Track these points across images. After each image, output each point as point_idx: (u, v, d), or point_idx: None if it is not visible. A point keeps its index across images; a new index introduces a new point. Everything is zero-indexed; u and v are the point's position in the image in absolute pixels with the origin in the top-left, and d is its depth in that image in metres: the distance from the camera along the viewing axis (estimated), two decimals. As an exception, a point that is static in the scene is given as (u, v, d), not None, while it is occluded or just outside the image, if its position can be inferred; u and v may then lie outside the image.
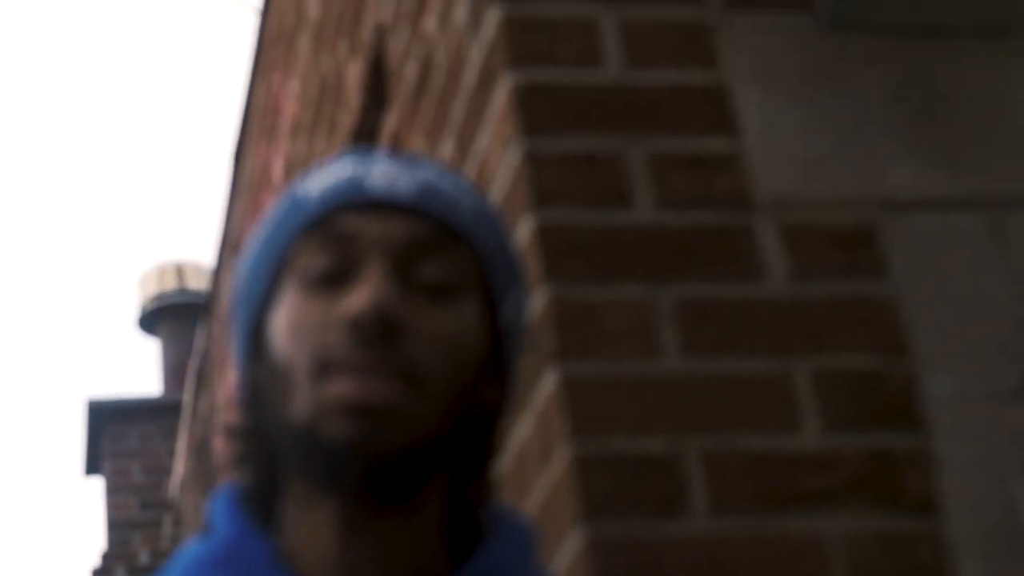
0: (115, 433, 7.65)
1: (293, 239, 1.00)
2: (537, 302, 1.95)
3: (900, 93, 2.16)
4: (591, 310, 1.93)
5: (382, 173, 1.00)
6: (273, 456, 0.99)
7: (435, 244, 0.98)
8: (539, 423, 1.94)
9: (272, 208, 1.04)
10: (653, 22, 2.13)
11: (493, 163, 2.12)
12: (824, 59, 2.16)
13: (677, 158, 2.05)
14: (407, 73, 2.62)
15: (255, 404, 0.99)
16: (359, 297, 0.95)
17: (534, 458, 1.96)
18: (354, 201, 0.99)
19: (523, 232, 2.00)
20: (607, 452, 1.85)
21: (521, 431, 2.02)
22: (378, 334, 0.94)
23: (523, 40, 2.07)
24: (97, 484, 14.45)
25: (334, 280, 0.97)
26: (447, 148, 2.37)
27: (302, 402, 0.95)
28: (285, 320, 0.97)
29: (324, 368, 0.94)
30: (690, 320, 1.96)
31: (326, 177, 1.01)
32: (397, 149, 2.78)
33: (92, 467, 8.02)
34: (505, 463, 2.09)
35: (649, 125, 2.06)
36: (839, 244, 2.05)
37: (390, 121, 2.80)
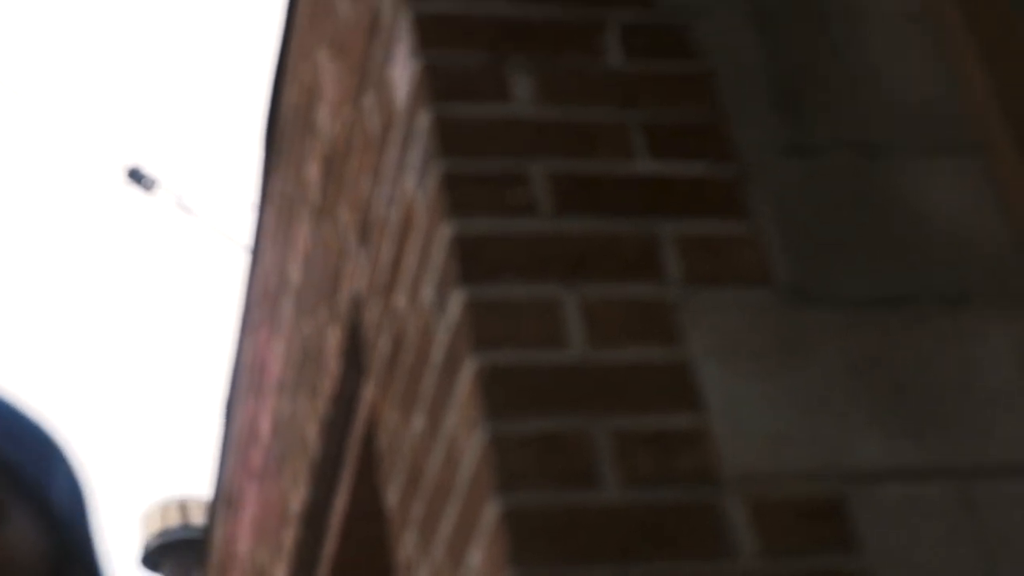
0: None
1: None
2: (504, 587, 1.94)
3: (863, 364, 2.18)
4: (559, 594, 1.92)
5: None
6: None
7: None
8: None
9: None
10: (614, 301, 2.16)
11: (461, 443, 2.13)
12: (785, 333, 2.18)
13: (641, 436, 2.05)
14: (381, 345, 2.65)
15: None
16: None
17: None
18: None
19: (489, 516, 1.99)
20: None
21: None
22: None
23: (486, 323, 2.10)
24: None
25: None
26: (419, 423, 2.38)
27: None
28: None
29: None
30: (660, 600, 1.95)
31: None
32: (376, 420, 2.79)
33: None
34: None
35: (613, 404, 2.07)
36: (808, 518, 2.04)
37: (368, 391, 2.82)
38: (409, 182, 2.42)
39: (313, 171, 3.35)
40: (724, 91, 2.45)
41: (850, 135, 2.43)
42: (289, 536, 3.72)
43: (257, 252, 4.31)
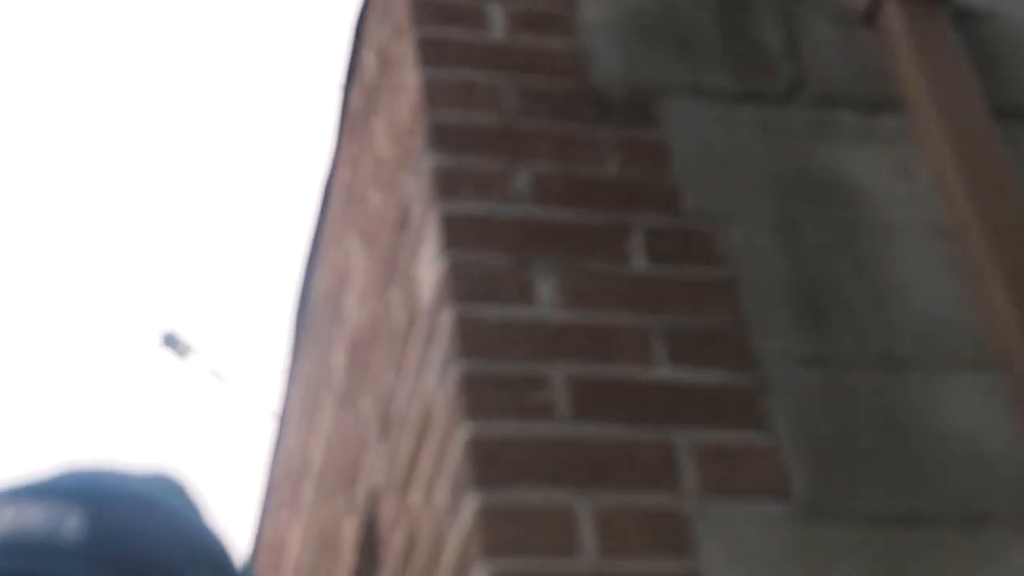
0: None
1: None
2: None
3: (878, 584, 2.15)
4: None
5: None
6: None
7: None
8: None
9: None
10: (629, 510, 2.14)
11: (469, 650, 2.11)
12: (801, 548, 2.16)
13: (652, 651, 2.03)
14: (395, 542, 2.63)
15: None
16: None
17: None
18: None
19: None
20: None
21: None
22: None
23: (499, 529, 2.09)
24: None
25: None
26: (429, 624, 2.35)
27: None
28: None
29: None
30: None
31: None
32: (386, 614, 2.77)
33: None
34: None
35: (624, 616, 2.05)
36: None
37: (380, 585, 2.79)
38: (430, 380, 2.43)
39: (339, 357, 3.37)
40: (746, 299, 2.46)
41: (871, 348, 2.43)
42: None
43: (282, 431, 4.31)
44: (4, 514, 0.94)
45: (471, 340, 2.30)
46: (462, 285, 2.36)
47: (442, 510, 2.29)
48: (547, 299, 2.37)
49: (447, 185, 2.50)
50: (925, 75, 2.75)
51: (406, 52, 2.78)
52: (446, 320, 2.35)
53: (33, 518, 0.94)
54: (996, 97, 2.84)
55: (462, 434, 2.20)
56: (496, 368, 2.27)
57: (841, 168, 2.69)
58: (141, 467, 1.01)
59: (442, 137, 2.57)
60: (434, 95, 2.63)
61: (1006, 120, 2.81)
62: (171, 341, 9.33)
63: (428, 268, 2.50)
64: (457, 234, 2.43)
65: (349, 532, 3.10)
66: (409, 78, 2.73)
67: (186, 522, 0.99)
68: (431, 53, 2.69)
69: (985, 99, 2.80)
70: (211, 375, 9.34)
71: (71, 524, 0.93)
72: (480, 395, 2.23)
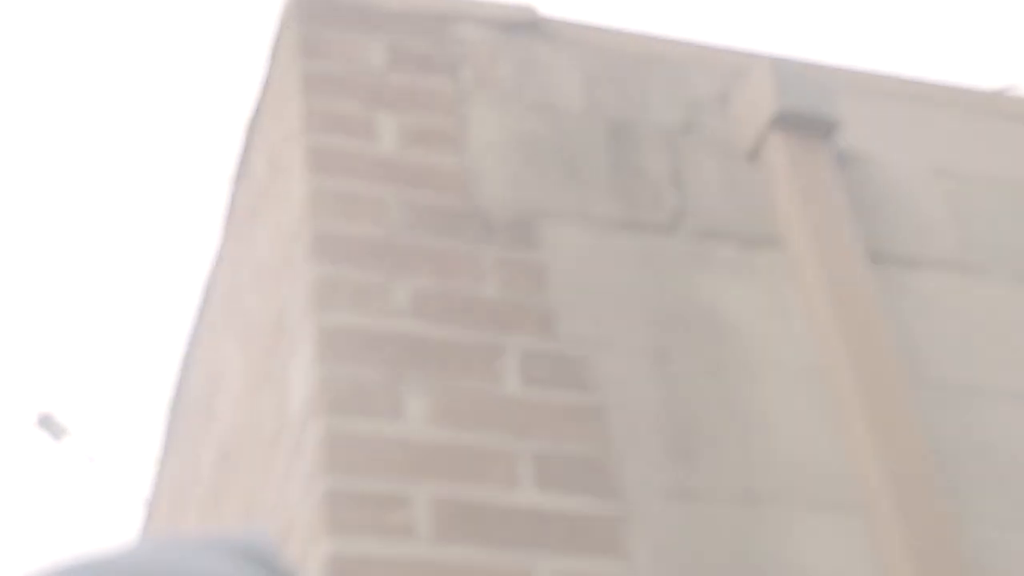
0: None
1: None
2: None
3: None
4: None
5: None
6: None
7: None
8: None
9: None
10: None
11: None
12: None
13: None
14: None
15: None
16: None
17: None
18: None
19: None
20: None
21: None
22: None
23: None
24: None
25: None
26: None
27: None
28: None
29: None
30: None
31: None
32: None
33: None
34: None
35: None
36: None
37: None
38: (293, 492, 2.41)
39: (208, 458, 3.33)
40: (615, 427, 2.47)
41: (735, 483, 2.45)
42: None
43: (148, 528, 4.24)
44: None
45: (337, 454, 2.28)
46: (333, 397, 2.36)
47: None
48: (417, 416, 2.37)
49: (325, 295, 2.50)
50: (804, 215, 2.80)
51: (295, 158, 2.78)
52: (314, 432, 2.33)
53: None
54: (872, 240, 2.90)
55: (322, 549, 2.18)
56: (360, 485, 2.25)
57: (717, 302, 2.73)
58: (214, 536, 0.97)
59: (324, 246, 2.57)
60: (319, 204, 2.63)
61: (880, 264, 2.87)
62: (47, 422, 9.18)
63: (300, 377, 2.49)
64: (331, 345, 2.43)
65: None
66: (296, 185, 2.74)
67: None
68: (319, 161, 2.69)
69: (861, 242, 2.86)
70: (85, 458, 9.20)
71: None
72: (342, 511, 2.21)
